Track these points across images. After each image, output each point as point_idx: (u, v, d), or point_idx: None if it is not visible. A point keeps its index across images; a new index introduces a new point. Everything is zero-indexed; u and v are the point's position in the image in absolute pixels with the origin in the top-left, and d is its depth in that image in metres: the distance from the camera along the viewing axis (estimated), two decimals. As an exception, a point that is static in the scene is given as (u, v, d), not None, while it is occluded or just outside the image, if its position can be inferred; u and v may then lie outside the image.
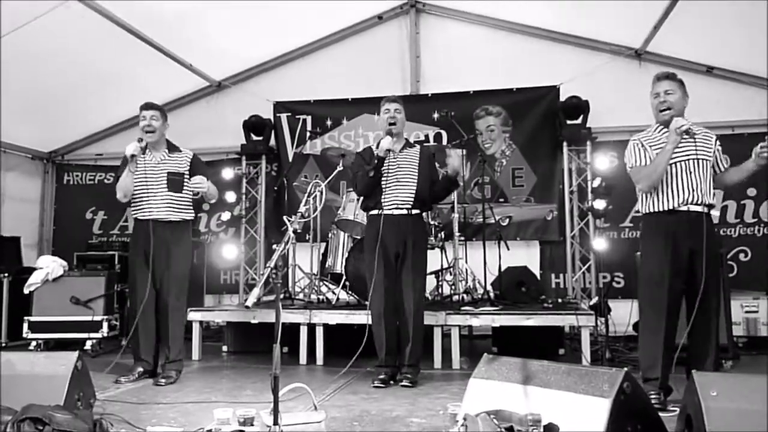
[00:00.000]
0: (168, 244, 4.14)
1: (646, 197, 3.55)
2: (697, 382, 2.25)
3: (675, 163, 3.42)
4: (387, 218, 4.09)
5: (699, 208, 3.41)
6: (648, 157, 3.50)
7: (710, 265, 3.32)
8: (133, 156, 4.05)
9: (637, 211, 3.75)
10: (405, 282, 4.07)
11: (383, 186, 4.11)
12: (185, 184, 4.21)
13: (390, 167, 4.13)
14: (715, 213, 3.53)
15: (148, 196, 4.14)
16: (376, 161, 4.05)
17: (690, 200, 3.40)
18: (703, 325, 3.39)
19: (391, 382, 4.02)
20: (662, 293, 3.40)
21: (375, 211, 4.17)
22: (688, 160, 3.42)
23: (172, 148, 4.32)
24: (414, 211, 4.15)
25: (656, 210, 3.49)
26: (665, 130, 3.48)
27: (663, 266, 3.41)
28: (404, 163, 4.17)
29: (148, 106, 4.24)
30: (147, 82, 6.69)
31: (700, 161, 3.43)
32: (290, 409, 3.24)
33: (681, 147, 3.40)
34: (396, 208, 4.10)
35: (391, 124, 4.13)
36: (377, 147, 4.11)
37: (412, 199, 4.12)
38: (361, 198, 4.44)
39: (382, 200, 4.11)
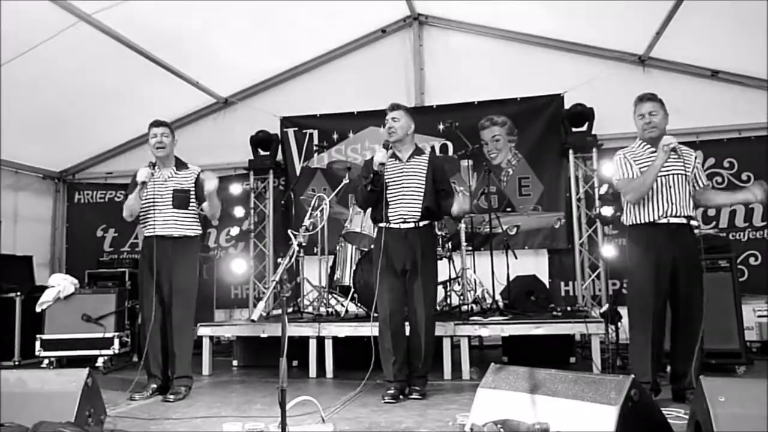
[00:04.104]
0: (172, 260, 4.17)
1: (630, 210, 3.77)
2: (705, 387, 2.23)
3: (658, 177, 3.62)
4: (394, 232, 3.96)
5: (679, 220, 3.61)
6: (634, 171, 3.72)
7: (692, 274, 3.54)
8: (144, 183, 4.12)
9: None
10: (415, 295, 3.92)
11: (389, 198, 3.97)
12: (191, 199, 4.26)
13: (396, 178, 4.01)
14: (694, 224, 3.76)
15: (154, 213, 4.20)
16: (372, 176, 3.89)
17: (669, 213, 3.61)
18: (687, 331, 3.58)
19: (401, 396, 3.92)
20: (648, 301, 3.60)
21: (382, 224, 4.01)
22: (668, 175, 3.64)
23: (180, 165, 4.37)
24: (422, 223, 3.98)
25: (638, 222, 3.71)
26: (648, 146, 3.71)
27: (648, 275, 3.61)
28: (411, 174, 4.01)
29: (158, 123, 4.29)
30: (155, 100, 6.77)
31: (679, 176, 3.64)
32: (300, 422, 3.24)
33: (665, 162, 3.60)
34: (403, 222, 3.95)
35: (390, 134, 4.00)
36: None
37: (420, 212, 3.96)
38: (368, 210, 4.39)
39: (389, 213, 3.97)
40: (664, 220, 3.61)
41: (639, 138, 3.78)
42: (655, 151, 3.64)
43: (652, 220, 3.64)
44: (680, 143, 3.70)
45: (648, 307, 3.59)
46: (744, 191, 3.74)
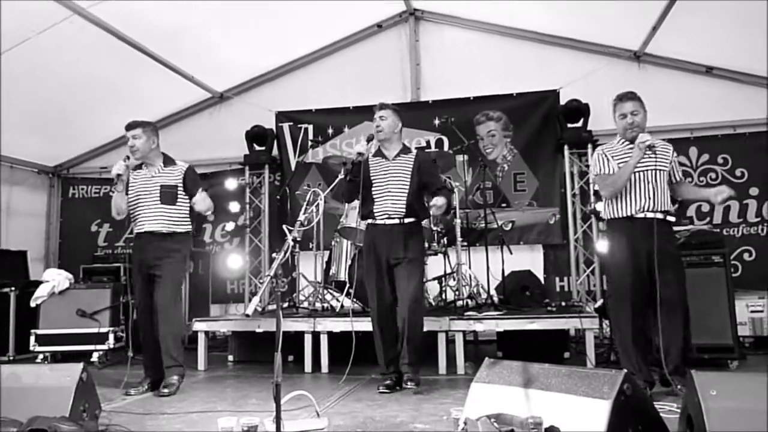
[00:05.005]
0: (158, 256, 4.15)
1: (608, 204, 3.83)
2: (696, 381, 2.25)
3: (633, 173, 3.68)
4: (379, 228, 4.08)
5: (656, 215, 3.66)
6: (611, 167, 3.78)
7: (669, 268, 3.56)
8: (118, 176, 4.09)
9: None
10: (400, 288, 4.02)
11: (375, 195, 4.09)
12: (179, 196, 4.23)
13: (382, 175, 4.11)
14: (672, 219, 3.81)
15: (142, 210, 4.19)
16: (351, 166, 4.03)
17: (646, 207, 3.67)
18: (668, 326, 3.59)
19: (397, 387, 4.00)
20: (625, 293, 3.67)
21: (369, 221, 4.15)
22: (647, 171, 3.70)
23: (168, 161, 4.33)
24: (407, 220, 4.07)
25: (616, 216, 3.77)
26: (627, 143, 3.78)
27: (624, 268, 3.68)
28: (396, 171, 4.11)
29: (128, 126, 4.24)
30: (150, 95, 6.75)
31: (658, 172, 3.70)
32: (295, 416, 3.26)
33: (641, 159, 3.66)
34: (388, 218, 4.06)
35: (377, 132, 4.12)
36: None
37: (404, 208, 4.05)
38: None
39: (374, 209, 4.09)
40: (641, 215, 3.66)
41: (620, 136, 3.84)
42: (632, 147, 3.69)
43: (629, 214, 3.70)
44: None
45: (625, 299, 3.65)
46: (709, 190, 3.77)
